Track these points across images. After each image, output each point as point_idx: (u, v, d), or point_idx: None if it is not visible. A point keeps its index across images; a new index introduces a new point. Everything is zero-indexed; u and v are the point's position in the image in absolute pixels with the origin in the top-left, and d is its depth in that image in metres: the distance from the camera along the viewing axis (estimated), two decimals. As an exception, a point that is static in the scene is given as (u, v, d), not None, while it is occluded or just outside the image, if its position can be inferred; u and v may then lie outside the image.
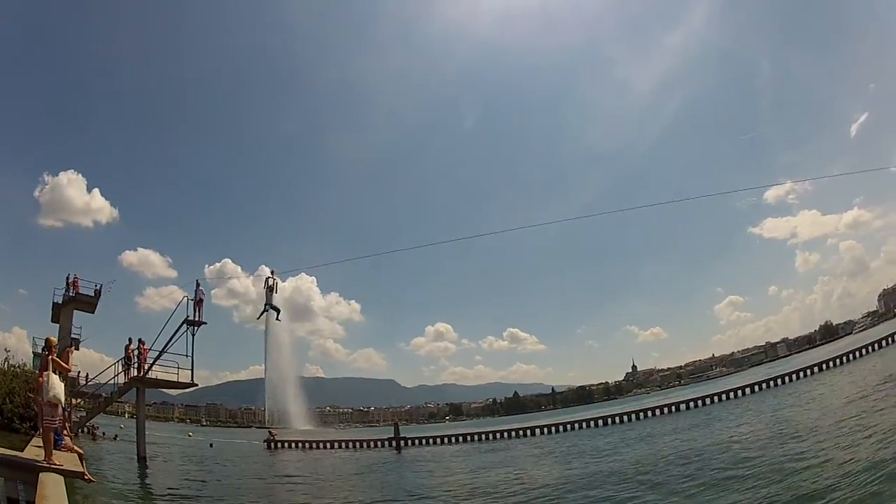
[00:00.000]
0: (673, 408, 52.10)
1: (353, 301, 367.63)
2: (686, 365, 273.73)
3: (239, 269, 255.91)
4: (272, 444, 57.14)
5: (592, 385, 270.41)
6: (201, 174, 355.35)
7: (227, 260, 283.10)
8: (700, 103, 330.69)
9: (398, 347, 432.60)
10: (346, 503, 21.73)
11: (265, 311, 32.43)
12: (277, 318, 34.35)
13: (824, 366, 54.73)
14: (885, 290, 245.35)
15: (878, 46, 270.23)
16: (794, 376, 53.77)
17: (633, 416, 51.70)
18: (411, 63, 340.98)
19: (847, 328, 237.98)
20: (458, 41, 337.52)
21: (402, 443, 52.82)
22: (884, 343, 56.65)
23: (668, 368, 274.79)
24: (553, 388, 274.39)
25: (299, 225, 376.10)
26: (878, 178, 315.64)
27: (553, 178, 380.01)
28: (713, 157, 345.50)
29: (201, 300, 32.29)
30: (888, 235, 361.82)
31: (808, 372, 53.77)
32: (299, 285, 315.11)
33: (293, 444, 58.67)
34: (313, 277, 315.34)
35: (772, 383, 53.34)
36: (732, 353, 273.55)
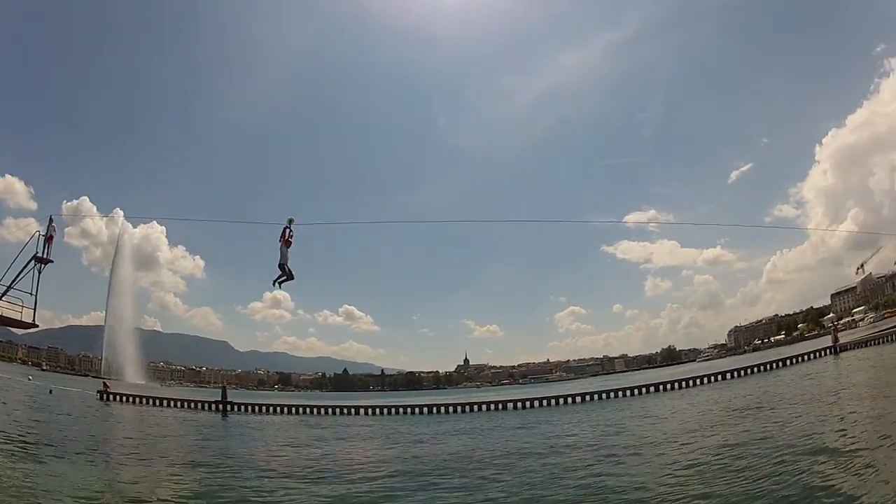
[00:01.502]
0: (510, 405, 54.55)
1: (198, 257, 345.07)
2: (519, 365, 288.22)
3: (95, 208, 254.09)
4: (105, 396, 60.77)
5: (423, 372, 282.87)
6: (77, 106, 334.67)
7: (84, 198, 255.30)
8: (579, 122, 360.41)
9: (235, 310, 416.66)
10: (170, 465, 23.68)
11: (283, 276, 24.22)
12: (278, 285, 24.86)
13: (666, 386, 57.90)
14: (737, 326, 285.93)
15: (779, 106, 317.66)
16: (633, 391, 56.71)
17: (464, 407, 54.27)
18: (308, 37, 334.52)
19: (691, 355, 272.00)
20: (359, 22, 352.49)
21: (230, 407, 56.39)
22: (729, 375, 59.78)
23: (501, 366, 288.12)
24: (383, 370, 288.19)
25: (167, 174, 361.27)
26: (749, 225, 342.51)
27: (419, 166, 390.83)
28: (582, 174, 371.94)
29: (52, 237, 30.11)
30: (748, 279, 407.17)
31: (648, 390, 57.42)
32: (149, 234, 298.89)
33: (125, 398, 62.61)
34: (163, 227, 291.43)
35: (611, 395, 55.72)
36: (569, 360, 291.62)
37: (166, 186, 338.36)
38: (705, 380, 59.12)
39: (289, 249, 23.71)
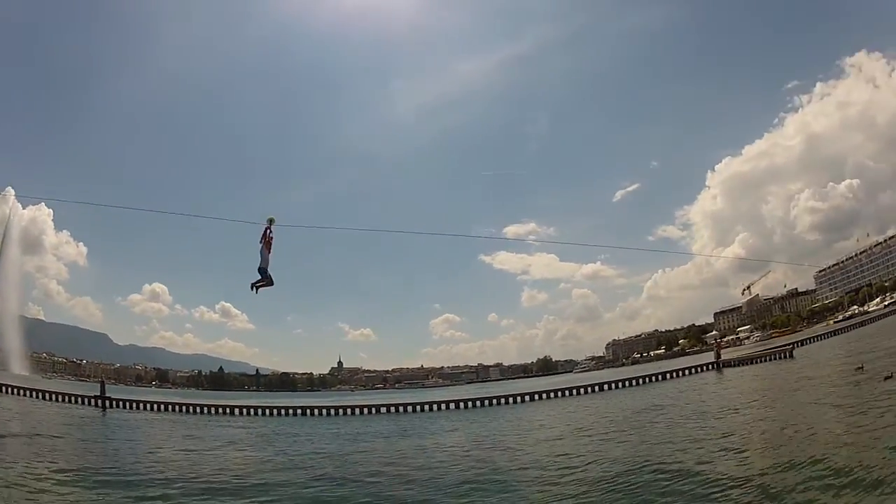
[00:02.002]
0: (384, 409, 55.72)
1: (81, 243, 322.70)
2: (393, 370, 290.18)
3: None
4: (-15, 389, 61.25)
5: (297, 373, 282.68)
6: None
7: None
8: (467, 130, 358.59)
9: (115, 301, 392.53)
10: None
11: (263, 281, 21.93)
12: (256, 290, 21.39)
13: (543, 395, 58.55)
14: (615, 339, 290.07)
15: (672, 131, 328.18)
16: (510, 400, 58.13)
17: (338, 410, 55.46)
18: (208, 24, 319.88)
19: (568, 366, 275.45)
20: (259, 15, 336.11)
21: (109, 403, 56.29)
22: (608, 386, 61.39)
23: (375, 371, 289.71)
24: (258, 370, 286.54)
25: (57, 152, 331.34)
26: (631, 244, 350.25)
27: (303, 165, 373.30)
28: (465, 182, 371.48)
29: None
30: (628, 294, 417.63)
31: (524, 398, 58.15)
32: (37, 216, 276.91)
33: (4, 389, 62.09)
34: (51, 210, 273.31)
35: (487, 402, 57.00)
36: (443, 367, 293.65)
37: (55, 168, 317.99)
38: (583, 390, 60.60)
39: (269, 252, 21.60)
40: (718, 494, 14.83)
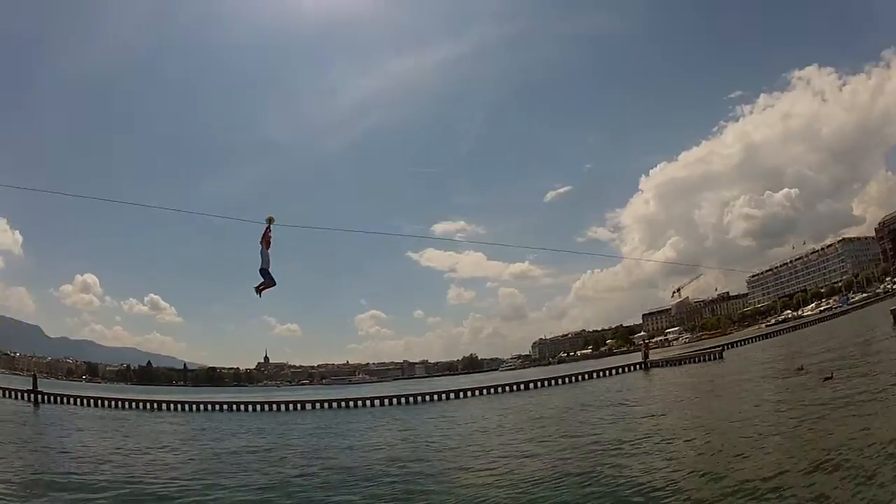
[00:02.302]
0: (308, 405, 56.18)
1: (17, 231, 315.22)
2: (319, 366, 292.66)
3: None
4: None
5: (224, 368, 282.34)
6: None
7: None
8: (402, 126, 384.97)
9: (48, 292, 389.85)
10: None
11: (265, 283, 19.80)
12: (259, 293, 19.88)
13: (469, 393, 59.22)
14: (541, 338, 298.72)
15: (607, 136, 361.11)
16: (437, 396, 58.01)
17: (264, 406, 55.65)
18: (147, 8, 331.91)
19: (494, 364, 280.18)
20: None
21: (42, 397, 56.62)
22: (533, 385, 61.47)
23: (301, 366, 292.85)
24: (185, 365, 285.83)
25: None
26: (560, 244, 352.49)
27: (236, 153, 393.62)
28: (396, 177, 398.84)
29: None
30: (556, 294, 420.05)
31: (448, 396, 58.03)
32: None
33: None
34: None
35: (414, 399, 57.60)
36: (369, 363, 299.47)
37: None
38: (509, 388, 61.50)
39: (269, 251, 20.17)
40: (643, 495, 14.55)
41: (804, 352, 46.90)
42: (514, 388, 61.84)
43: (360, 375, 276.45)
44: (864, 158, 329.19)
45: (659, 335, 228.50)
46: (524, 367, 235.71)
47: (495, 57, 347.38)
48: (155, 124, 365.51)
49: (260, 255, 19.79)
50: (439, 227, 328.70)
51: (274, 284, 20.22)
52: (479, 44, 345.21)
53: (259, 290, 20.22)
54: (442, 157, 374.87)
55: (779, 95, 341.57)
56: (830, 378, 27.57)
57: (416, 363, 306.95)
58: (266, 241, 19.87)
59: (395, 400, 57.00)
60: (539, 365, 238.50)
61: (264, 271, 20.01)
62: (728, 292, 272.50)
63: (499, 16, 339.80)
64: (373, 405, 55.18)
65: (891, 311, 46.32)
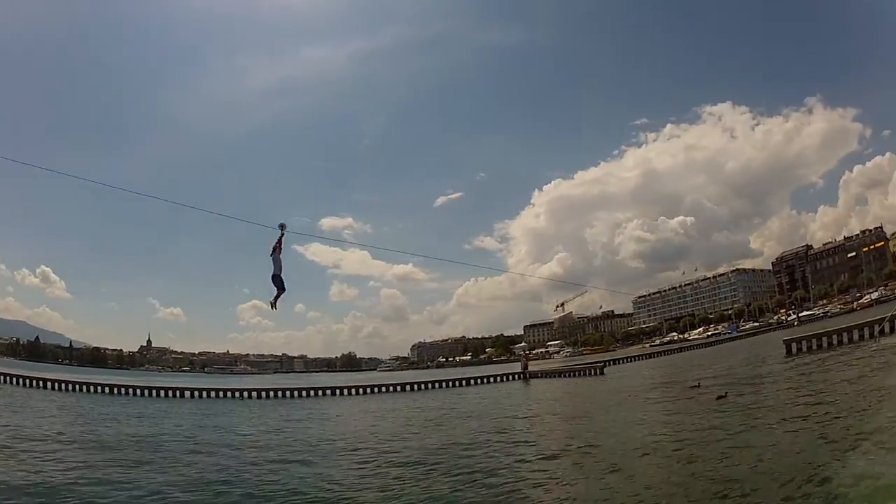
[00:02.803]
0: (188, 393, 57.72)
1: None
2: (200, 353, 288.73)
3: None
4: None
5: (108, 349, 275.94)
6: None
7: None
8: (306, 117, 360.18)
9: None
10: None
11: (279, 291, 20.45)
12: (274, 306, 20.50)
13: (348, 391, 61.38)
14: (421, 342, 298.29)
15: (504, 147, 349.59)
16: (317, 392, 60.43)
17: (150, 391, 57.09)
18: None
19: (372, 364, 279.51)
20: None
21: None
22: (409, 388, 64.04)
23: (183, 352, 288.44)
24: (71, 343, 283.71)
25: None
26: (447, 250, 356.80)
27: (138, 131, 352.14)
28: (294, 167, 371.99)
29: None
30: (437, 298, 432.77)
31: (326, 392, 60.65)
32: None
33: None
34: None
35: (293, 394, 59.42)
36: (248, 354, 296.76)
37: None
38: (388, 388, 63.75)
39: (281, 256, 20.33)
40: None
41: (692, 372, 47.01)
42: (393, 388, 63.88)
43: (242, 366, 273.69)
44: (770, 196, 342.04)
45: (540, 347, 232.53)
46: (402, 369, 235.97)
47: (407, 58, 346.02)
48: (54, 97, 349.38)
49: (273, 262, 19.86)
50: (327, 222, 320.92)
51: (284, 290, 20.17)
52: (393, 43, 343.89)
53: (274, 302, 20.17)
54: (341, 152, 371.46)
55: (686, 127, 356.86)
56: (724, 397, 27.52)
57: (295, 357, 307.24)
58: (279, 248, 19.93)
59: (274, 393, 58.38)
60: (417, 368, 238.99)
61: (277, 277, 19.96)
62: (613, 310, 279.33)
63: (416, 18, 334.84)
64: (250, 397, 57.00)
65: (783, 340, 47.00)
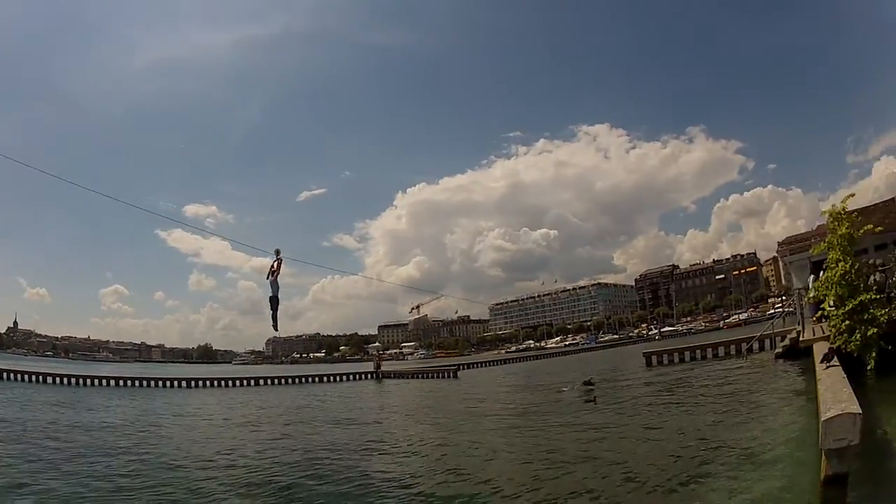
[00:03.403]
0: (50, 379, 58.43)
1: None
2: (63, 338, 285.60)
3: None
4: None
5: None
6: None
7: None
8: (184, 100, 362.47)
9: None
10: None
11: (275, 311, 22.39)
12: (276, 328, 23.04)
13: (206, 383, 63.02)
14: (275, 336, 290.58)
15: (373, 146, 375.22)
16: (175, 383, 61.66)
17: (16, 375, 58.68)
18: None
19: (227, 356, 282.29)
20: None
21: None
22: (262, 382, 65.41)
23: (47, 336, 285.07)
24: None
25: None
26: (307, 246, 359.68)
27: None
28: (165, 150, 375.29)
29: None
30: (294, 294, 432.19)
31: (189, 384, 61.88)
32: None
33: None
34: None
35: (154, 383, 60.93)
36: (108, 341, 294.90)
37: None
38: (244, 382, 64.51)
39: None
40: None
41: (554, 378, 47.02)
42: (247, 382, 64.42)
43: (105, 354, 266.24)
44: (638, 216, 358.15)
45: (394, 348, 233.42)
46: (257, 364, 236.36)
47: (293, 49, 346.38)
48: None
49: (270, 286, 21.71)
50: (191, 209, 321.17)
51: (278, 306, 22.01)
52: (282, 33, 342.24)
53: (275, 324, 22.19)
54: (214, 139, 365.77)
55: (560, 143, 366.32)
56: (593, 402, 27.01)
57: (153, 346, 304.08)
58: (274, 273, 21.62)
59: (137, 382, 59.95)
60: (272, 363, 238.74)
61: (274, 298, 21.83)
62: (469, 316, 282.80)
63: (309, 9, 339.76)
64: (108, 385, 58.07)
65: (643, 353, 47.60)
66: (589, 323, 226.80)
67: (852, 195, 23.99)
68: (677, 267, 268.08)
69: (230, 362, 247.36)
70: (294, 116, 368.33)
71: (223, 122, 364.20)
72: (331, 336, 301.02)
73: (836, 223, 22.42)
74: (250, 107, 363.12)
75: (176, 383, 61.10)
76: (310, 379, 67.57)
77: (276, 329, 22.06)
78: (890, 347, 20.29)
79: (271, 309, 21.16)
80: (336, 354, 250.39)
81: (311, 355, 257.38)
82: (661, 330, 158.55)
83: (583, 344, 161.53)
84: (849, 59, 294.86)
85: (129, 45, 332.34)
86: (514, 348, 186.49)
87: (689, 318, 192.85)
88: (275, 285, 20.97)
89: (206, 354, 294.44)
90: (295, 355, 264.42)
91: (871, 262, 25.46)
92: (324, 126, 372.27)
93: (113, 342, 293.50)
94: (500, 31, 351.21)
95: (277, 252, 21.28)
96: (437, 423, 28.15)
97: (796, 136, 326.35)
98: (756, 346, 38.24)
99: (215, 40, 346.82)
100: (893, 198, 27.41)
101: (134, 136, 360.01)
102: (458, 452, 19.14)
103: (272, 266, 20.75)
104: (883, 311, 20.86)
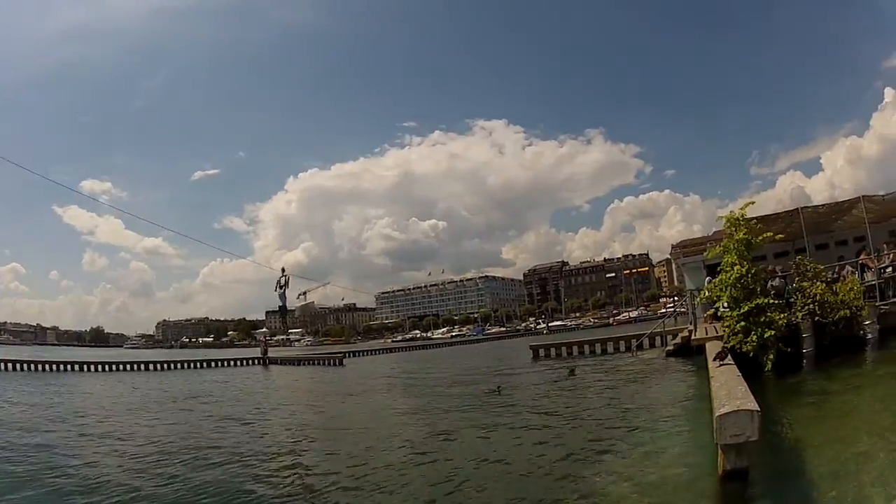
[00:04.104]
0: None
1: None
2: None
3: None
4: None
5: None
6: None
7: None
8: (88, 67, 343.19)
9: None
10: None
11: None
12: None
13: (101, 367, 61.67)
14: (165, 320, 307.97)
15: (269, 129, 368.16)
16: (71, 367, 61.50)
17: None
18: None
19: (119, 340, 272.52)
20: None
21: None
22: (152, 366, 63.58)
23: None
24: None
25: None
26: (197, 226, 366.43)
27: None
28: (60, 121, 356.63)
29: None
30: (184, 276, 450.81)
31: (84, 368, 61.52)
32: None
33: None
34: None
35: (50, 367, 60.26)
36: (6, 322, 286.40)
37: None
38: (136, 367, 62.81)
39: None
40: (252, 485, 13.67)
41: (443, 370, 46.89)
42: (138, 367, 62.62)
43: (6, 336, 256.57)
44: (530, 212, 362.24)
45: (281, 334, 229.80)
46: (148, 348, 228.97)
47: (204, 22, 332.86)
48: None
49: (279, 298, 22.29)
50: (88, 184, 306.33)
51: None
52: (197, 4, 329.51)
53: (286, 328, 17.09)
54: (114, 110, 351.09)
55: (455, 136, 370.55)
56: (497, 392, 26.53)
57: (48, 328, 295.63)
58: (282, 287, 17.61)
59: (33, 366, 59.70)
60: (162, 347, 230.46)
61: (283, 308, 26.40)
62: (355, 304, 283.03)
63: None
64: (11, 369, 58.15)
65: (530, 346, 48.43)
66: (476, 315, 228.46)
67: (752, 203, 25.85)
68: (567, 263, 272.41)
69: (122, 346, 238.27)
70: (196, 92, 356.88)
71: (127, 93, 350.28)
72: (219, 321, 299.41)
73: (734, 228, 22.94)
74: (155, 78, 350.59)
75: (69, 367, 60.55)
76: (198, 364, 66.75)
77: (286, 334, 21.06)
78: (789, 349, 20.98)
79: (281, 316, 20.24)
80: (224, 339, 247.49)
81: (201, 340, 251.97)
82: (550, 324, 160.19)
83: (469, 335, 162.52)
84: (762, 76, 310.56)
85: (46, 7, 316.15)
86: (399, 338, 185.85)
87: (578, 314, 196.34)
88: (283, 297, 20.07)
89: (99, 337, 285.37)
90: (185, 339, 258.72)
91: (769, 268, 26.66)
92: (224, 104, 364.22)
93: (10, 324, 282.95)
94: (402, 20, 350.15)
95: (283, 270, 20.07)
96: (317, 408, 28.43)
97: (699, 145, 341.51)
98: (646, 343, 38.61)
99: (137, 5, 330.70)
100: (797, 208, 27.96)
101: (36, 105, 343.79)
102: (336, 439, 19.06)
103: (279, 281, 19.83)
104: (781, 316, 21.44)
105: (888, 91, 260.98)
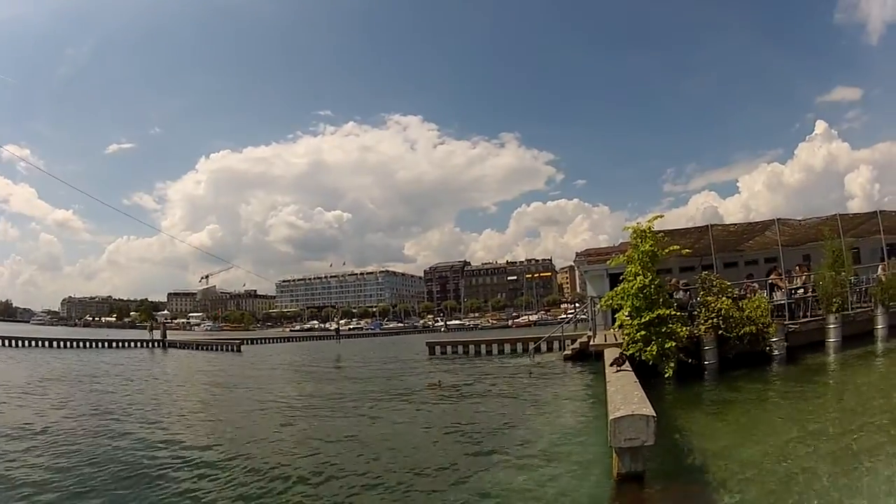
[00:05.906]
0: None
1: None
2: None
3: None
4: None
5: None
6: None
7: None
8: (15, 30, 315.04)
9: None
10: None
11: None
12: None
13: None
14: (71, 297, 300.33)
15: (187, 106, 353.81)
16: None
17: None
18: None
19: (26, 315, 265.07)
20: None
21: None
22: (56, 344, 62.53)
23: None
24: None
25: None
26: (108, 198, 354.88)
27: None
28: None
29: None
30: (90, 252, 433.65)
31: None
32: None
33: None
34: None
35: None
36: None
37: None
38: (40, 343, 62.42)
39: None
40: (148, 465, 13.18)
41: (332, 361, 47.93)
42: (43, 344, 61.64)
43: None
44: (435, 209, 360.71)
45: (182, 317, 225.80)
46: (53, 325, 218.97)
47: None
48: None
49: None
50: (8, 150, 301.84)
51: None
52: None
53: None
54: (39, 73, 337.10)
55: (368, 129, 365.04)
56: (437, 385, 26.36)
57: None
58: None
59: None
60: (67, 325, 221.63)
61: None
62: (256, 290, 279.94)
63: None
64: None
65: (427, 343, 48.44)
66: (375, 309, 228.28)
67: (661, 216, 24.75)
68: (469, 263, 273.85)
69: (28, 322, 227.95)
70: (120, 62, 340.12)
71: (53, 58, 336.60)
72: (122, 300, 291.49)
73: (640, 239, 22.69)
74: (82, 45, 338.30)
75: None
76: (98, 344, 64.74)
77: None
78: (690, 361, 21.11)
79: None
80: (127, 320, 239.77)
81: (104, 319, 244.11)
82: (448, 322, 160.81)
83: (367, 329, 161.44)
84: (687, 98, 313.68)
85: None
86: (298, 327, 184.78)
87: (477, 315, 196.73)
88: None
89: (7, 312, 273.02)
90: (88, 318, 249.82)
91: (673, 280, 27.22)
92: (146, 77, 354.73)
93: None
94: (328, 7, 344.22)
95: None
96: (213, 396, 27.34)
97: (614, 158, 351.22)
98: (544, 346, 38.32)
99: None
100: (707, 225, 28.44)
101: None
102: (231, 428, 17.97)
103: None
104: (684, 329, 21.60)
105: (819, 123, 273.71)
